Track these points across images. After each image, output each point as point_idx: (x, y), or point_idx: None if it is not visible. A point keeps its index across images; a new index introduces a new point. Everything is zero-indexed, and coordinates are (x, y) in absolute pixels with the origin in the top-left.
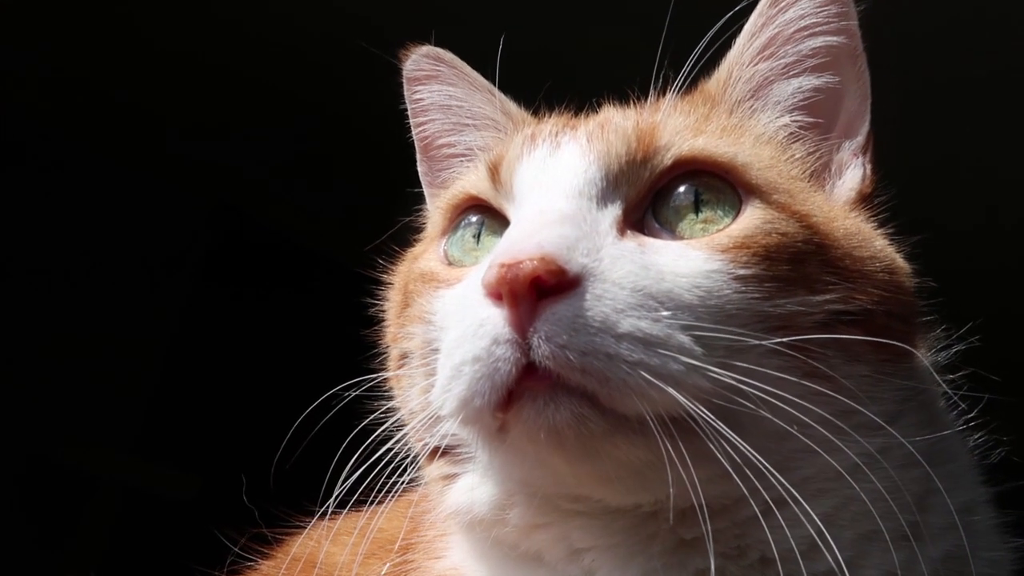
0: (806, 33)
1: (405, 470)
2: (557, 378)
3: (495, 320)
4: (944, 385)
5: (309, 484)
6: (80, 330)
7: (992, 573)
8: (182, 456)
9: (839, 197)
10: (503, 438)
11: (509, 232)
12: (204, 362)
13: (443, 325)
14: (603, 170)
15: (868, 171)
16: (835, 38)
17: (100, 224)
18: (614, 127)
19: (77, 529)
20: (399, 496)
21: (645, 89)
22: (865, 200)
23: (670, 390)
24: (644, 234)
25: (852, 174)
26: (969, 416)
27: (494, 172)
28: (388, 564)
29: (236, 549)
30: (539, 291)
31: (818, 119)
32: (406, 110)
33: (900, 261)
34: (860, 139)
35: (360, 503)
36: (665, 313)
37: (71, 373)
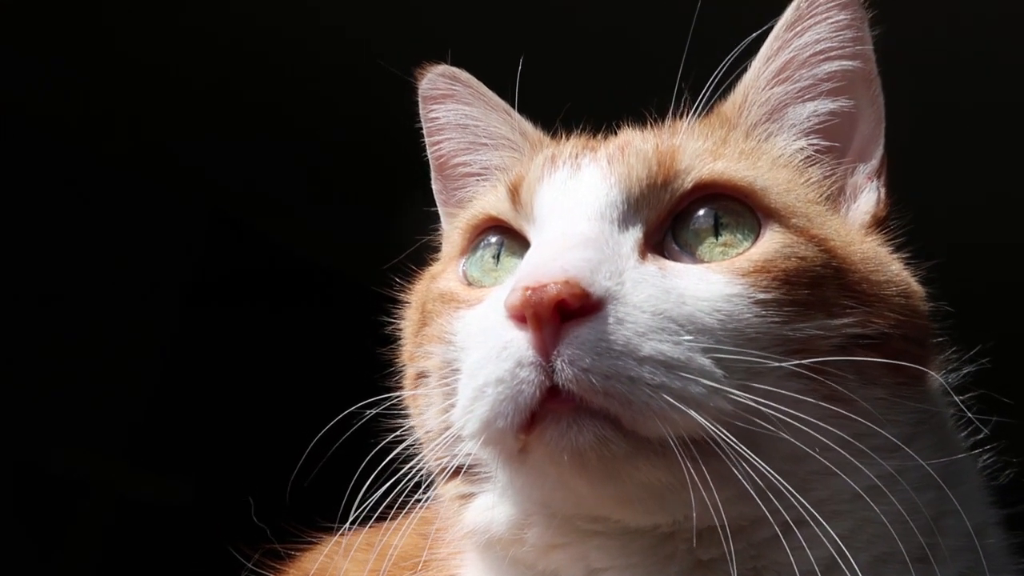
0: (822, 57)
1: (420, 488)
2: (580, 401)
3: (519, 343)
4: (960, 406)
5: (307, 497)
6: (76, 336)
7: None
8: (174, 465)
9: (854, 221)
10: (523, 459)
11: (531, 255)
12: (199, 371)
13: (464, 346)
14: (624, 193)
15: (882, 195)
16: (850, 62)
17: (97, 230)
18: (634, 150)
19: (68, 536)
20: (411, 514)
21: (662, 112)
22: (880, 224)
23: (692, 413)
24: (664, 257)
25: (867, 198)
26: (978, 438)
27: (514, 193)
28: None
29: (249, 565)
30: (562, 314)
31: (834, 143)
32: (411, 126)
33: (915, 285)
34: (874, 163)
35: (371, 520)
36: (686, 336)
37: (65, 379)
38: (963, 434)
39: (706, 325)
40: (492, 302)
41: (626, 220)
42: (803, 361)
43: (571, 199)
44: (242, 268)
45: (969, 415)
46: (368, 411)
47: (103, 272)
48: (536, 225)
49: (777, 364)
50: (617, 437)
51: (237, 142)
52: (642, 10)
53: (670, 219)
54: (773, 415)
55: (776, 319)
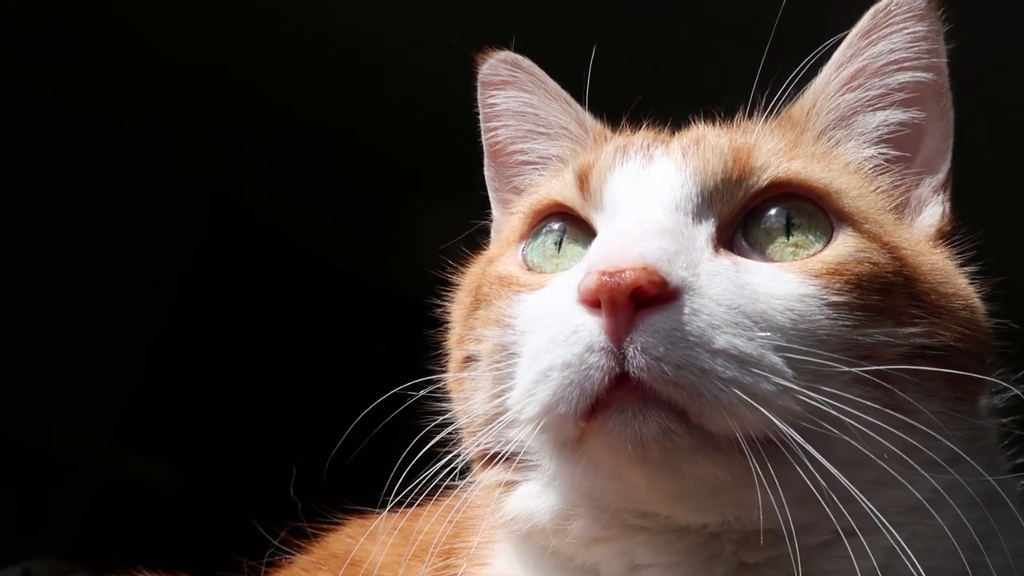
0: (895, 67)
1: (454, 475)
2: (649, 390)
3: (590, 327)
4: (1006, 427)
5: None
6: (66, 316)
7: None
8: (162, 447)
9: (919, 233)
10: (576, 448)
11: (606, 240)
12: (192, 354)
13: (525, 329)
14: (699, 186)
15: (947, 209)
16: (924, 74)
17: (91, 209)
18: (710, 144)
19: (52, 514)
20: (440, 500)
21: (728, 114)
22: (944, 238)
23: (762, 409)
24: (734, 253)
25: (932, 211)
26: (1019, 461)
27: (583, 180)
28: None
29: (275, 542)
30: (637, 302)
31: (903, 153)
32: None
33: (978, 300)
34: (941, 176)
35: (400, 504)
36: (760, 333)
37: (56, 358)
38: (1005, 455)
39: (778, 323)
40: (559, 286)
41: (700, 213)
42: (872, 367)
43: (645, 189)
44: (240, 253)
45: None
46: (413, 394)
47: (97, 252)
48: (606, 213)
49: (846, 368)
50: (682, 430)
51: (238, 126)
52: (705, 12)
53: (742, 216)
54: (839, 419)
55: (847, 323)
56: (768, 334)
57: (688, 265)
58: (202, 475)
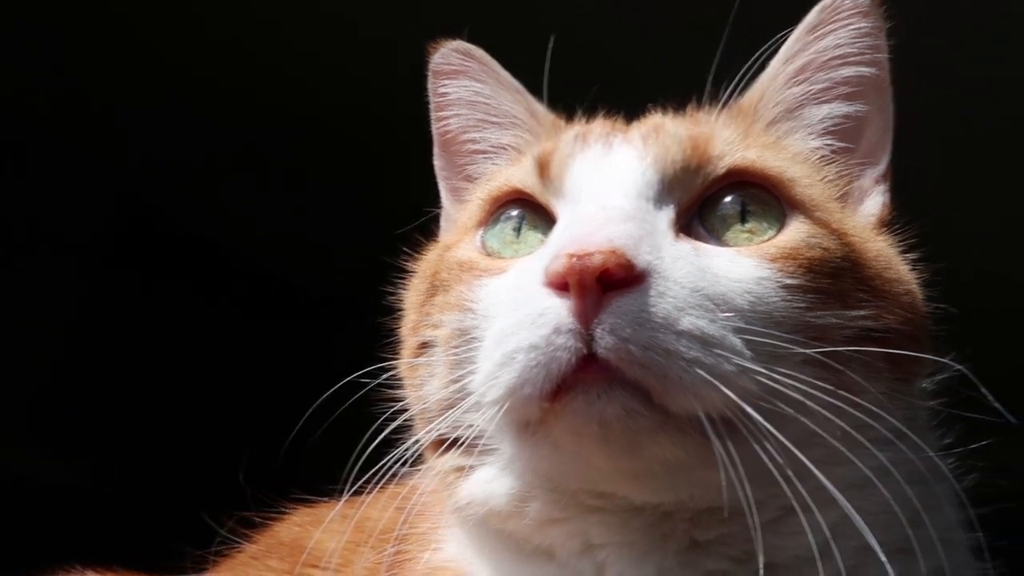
0: (840, 62)
1: (408, 462)
2: (614, 371)
3: (557, 309)
4: (937, 409)
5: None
6: None
7: None
8: (73, 446)
9: (863, 221)
10: (537, 430)
11: (572, 225)
12: (101, 352)
13: (487, 313)
14: (659, 173)
15: (887, 199)
16: (867, 69)
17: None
18: (669, 133)
19: None
20: (386, 487)
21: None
22: (885, 226)
23: (724, 388)
24: (693, 239)
25: (874, 200)
26: (947, 442)
27: (543, 167)
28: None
29: (222, 532)
30: (604, 284)
31: (847, 144)
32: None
33: (917, 286)
34: (882, 167)
35: (351, 493)
36: (722, 315)
37: None
38: (936, 436)
39: (738, 305)
40: (523, 270)
41: (660, 200)
42: (824, 348)
43: (606, 175)
44: (154, 244)
45: (964, 414)
46: (366, 381)
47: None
48: (567, 199)
49: (800, 350)
50: (645, 410)
51: (157, 114)
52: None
53: (699, 203)
54: (793, 397)
55: (800, 305)
56: (729, 315)
57: (652, 249)
58: (138, 471)
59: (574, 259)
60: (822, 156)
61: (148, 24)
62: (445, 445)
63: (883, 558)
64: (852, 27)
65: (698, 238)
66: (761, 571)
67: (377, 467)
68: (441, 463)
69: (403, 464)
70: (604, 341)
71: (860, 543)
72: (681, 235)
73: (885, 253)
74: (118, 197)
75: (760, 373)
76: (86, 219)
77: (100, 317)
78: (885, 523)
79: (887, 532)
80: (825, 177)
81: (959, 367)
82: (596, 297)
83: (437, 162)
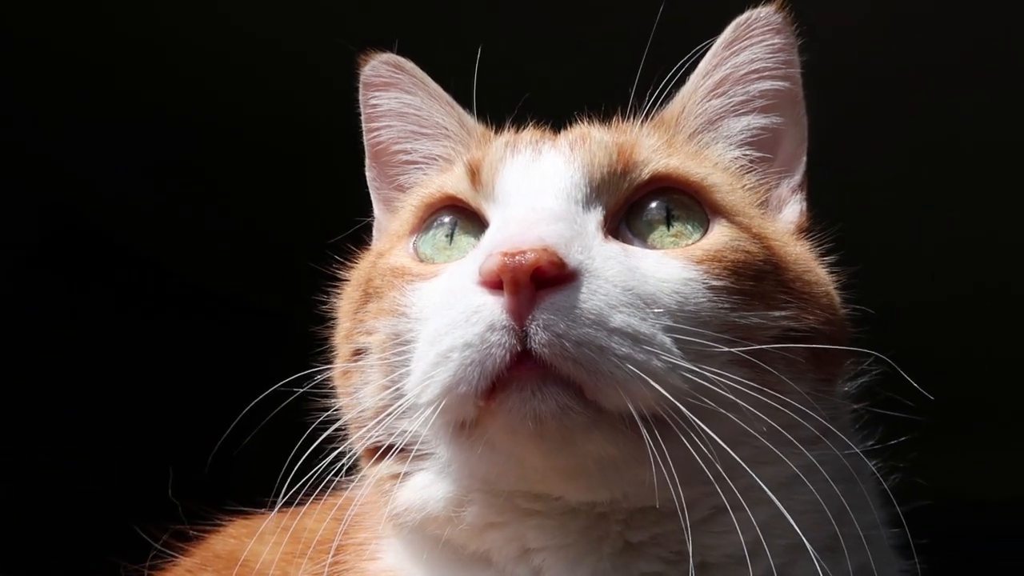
0: (756, 76)
1: (343, 471)
2: (548, 368)
3: (491, 307)
4: (859, 411)
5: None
6: None
7: None
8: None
9: (783, 227)
10: (473, 431)
11: (504, 225)
12: (26, 360)
13: (421, 316)
14: (587, 177)
15: (804, 207)
16: (781, 83)
17: None
18: (595, 140)
19: None
20: (324, 497)
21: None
22: (803, 232)
23: (654, 384)
24: (621, 241)
25: (791, 209)
26: (870, 444)
27: (474, 173)
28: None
29: (157, 546)
30: (537, 282)
31: (765, 155)
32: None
33: (835, 288)
34: (798, 177)
35: (287, 503)
36: (652, 313)
37: None
38: (859, 437)
39: (666, 305)
40: (457, 272)
41: (589, 203)
42: (749, 347)
43: (536, 179)
44: (80, 251)
45: (896, 414)
46: (295, 389)
47: None
48: (498, 203)
49: (726, 349)
50: (578, 406)
51: (71, 120)
52: (587, 20)
53: (626, 207)
54: (721, 395)
55: (725, 305)
56: (659, 313)
57: (583, 249)
58: (69, 482)
59: (507, 257)
60: (742, 165)
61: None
62: (380, 452)
63: (815, 556)
64: (766, 43)
65: (625, 241)
66: (692, 571)
67: (310, 476)
68: (376, 470)
69: (339, 473)
70: (538, 337)
71: (790, 541)
72: (610, 237)
73: (804, 257)
74: (41, 202)
75: (689, 370)
76: (7, 222)
77: (22, 325)
78: (813, 521)
79: (815, 530)
80: (745, 185)
81: (884, 357)
82: (529, 294)
83: (369, 173)
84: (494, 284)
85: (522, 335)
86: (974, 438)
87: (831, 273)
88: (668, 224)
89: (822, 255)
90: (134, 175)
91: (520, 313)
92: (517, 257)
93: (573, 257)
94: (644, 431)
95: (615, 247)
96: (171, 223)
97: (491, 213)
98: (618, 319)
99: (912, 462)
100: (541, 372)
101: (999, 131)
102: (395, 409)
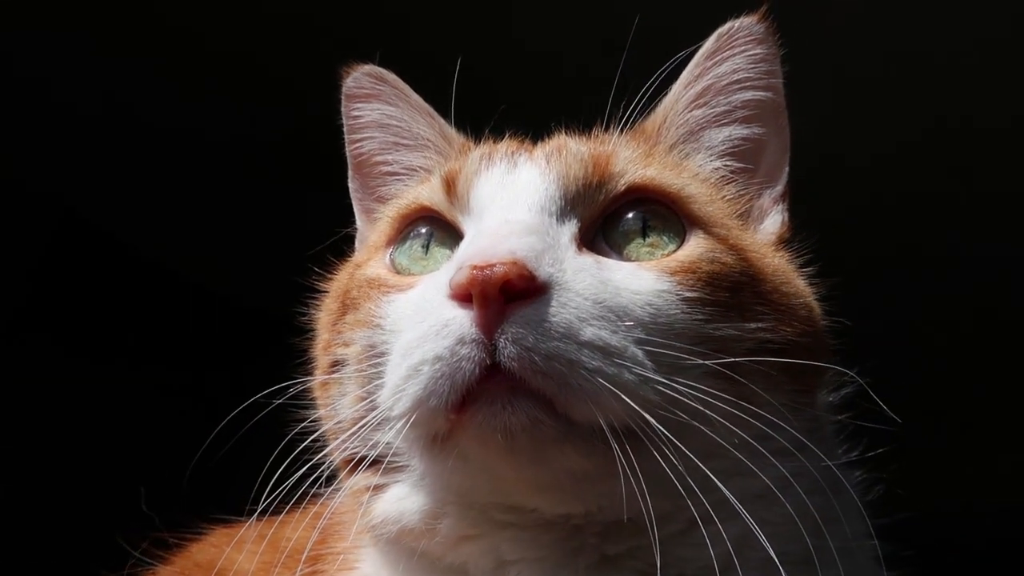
0: (738, 86)
1: (318, 482)
2: (518, 381)
3: (461, 320)
4: (841, 423)
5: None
6: None
7: None
8: None
9: (762, 238)
10: (445, 443)
11: (475, 238)
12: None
13: (395, 328)
14: (562, 190)
15: (786, 218)
16: (763, 93)
17: None
18: (571, 151)
19: None
20: (304, 507)
21: (587, 128)
22: (784, 243)
23: (625, 398)
24: (595, 253)
25: (772, 219)
26: (852, 456)
27: (449, 185)
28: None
29: (136, 554)
30: (507, 295)
31: (746, 165)
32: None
33: (815, 300)
34: (780, 188)
35: (265, 512)
36: (623, 326)
37: None
38: (841, 449)
39: (639, 317)
40: (429, 284)
41: (563, 215)
42: (724, 359)
43: (510, 192)
44: (83, 264)
45: (877, 426)
46: (273, 400)
47: None
48: (472, 216)
49: (700, 361)
50: (549, 420)
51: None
52: (565, 30)
53: (602, 219)
54: (694, 408)
55: (699, 317)
56: (630, 325)
57: (554, 262)
58: (50, 491)
59: (476, 271)
60: (722, 176)
61: None
62: (356, 463)
63: (782, 572)
64: (748, 53)
65: (601, 253)
66: None
67: (287, 486)
68: (353, 482)
69: (317, 483)
70: (507, 351)
71: (763, 555)
72: (584, 249)
73: (783, 268)
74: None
75: (661, 383)
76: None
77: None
78: (787, 535)
79: (789, 543)
80: (725, 196)
81: (854, 377)
82: (499, 308)
83: (351, 184)
84: (464, 297)
85: (491, 348)
86: (963, 446)
87: (811, 284)
88: (644, 235)
89: (802, 266)
90: (133, 177)
91: (489, 327)
92: (486, 270)
93: (543, 270)
94: (614, 444)
95: (588, 259)
96: (163, 232)
97: (466, 225)
98: (588, 332)
99: (895, 472)
100: (511, 385)
101: (995, 140)
102: (370, 421)
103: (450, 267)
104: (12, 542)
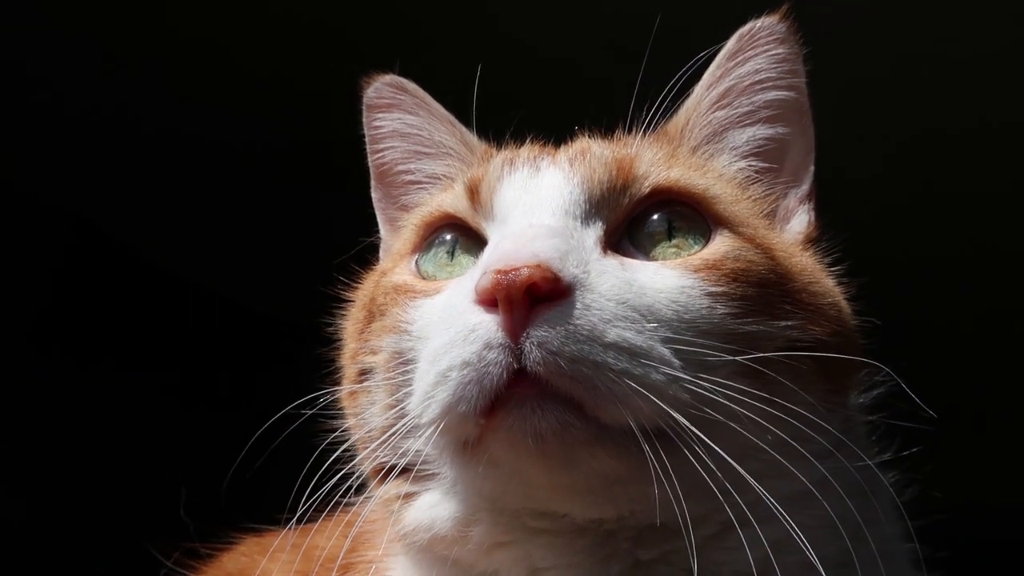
0: (761, 87)
1: (349, 491)
2: (545, 385)
3: (487, 325)
4: (874, 423)
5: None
6: None
7: None
8: (10, 477)
9: (789, 238)
10: (476, 449)
11: (500, 243)
12: (41, 379)
13: (423, 335)
14: (586, 193)
15: (812, 217)
16: (787, 93)
17: None
18: (594, 155)
19: None
20: (334, 515)
21: (609, 132)
22: (811, 243)
23: (654, 399)
24: (622, 255)
25: (799, 219)
26: (885, 457)
27: (473, 191)
28: None
29: (168, 564)
30: (532, 298)
31: (771, 165)
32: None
33: (844, 299)
34: (806, 187)
35: (297, 522)
36: (648, 326)
37: None
38: (875, 449)
39: (664, 316)
40: (455, 290)
41: (588, 218)
42: (752, 355)
43: (534, 196)
44: (103, 275)
45: (908, 425)
46: (304, 411)
47: None
48: (496, 221)
49: (729, 358)
50: (579, 423)
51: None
52: (585, 35)
53: (627, 222)
54: (726, 406)
55: (726, 312)
56: (655, 326)
57: (579, 263)
58: (82, 502)
59: (500, 275)
60: (747, 176)
61: None
62: (387, 471)
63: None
64: (770, 53)
65: (628, 255)
66: None
67: (319, 495)
68: (384, 490)
69: (349, 492)
70: (533, 355)
71: (801, 558)
72: (609, 252)
73: (811, 267)
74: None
75: (690, 382)
76: (29, 238)
77: (38, 341)
78: (825, 537)
79: (827, 546)
80: (751, 196)
81: (889, 374)
82: (524, 311)
83: (374, 194)
84: (490, 302)
85: (518, 352)
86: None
87: (840, 284)
88: (670, 236)
89: (831, 265)
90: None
91: (515, 331)
92: (511, 274)
93: (568, 272)
94: (645, 445)
95: (612, 261)
96: (189, 244)
97: (490, 231)
98: (613, 334)
99: (929, 473)
100: (539, 389)
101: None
102: (399, 429)
103: (475, 272)
104: (40, 553)
